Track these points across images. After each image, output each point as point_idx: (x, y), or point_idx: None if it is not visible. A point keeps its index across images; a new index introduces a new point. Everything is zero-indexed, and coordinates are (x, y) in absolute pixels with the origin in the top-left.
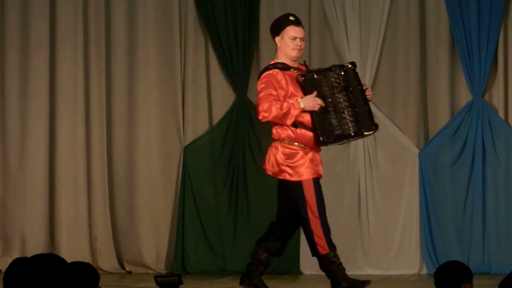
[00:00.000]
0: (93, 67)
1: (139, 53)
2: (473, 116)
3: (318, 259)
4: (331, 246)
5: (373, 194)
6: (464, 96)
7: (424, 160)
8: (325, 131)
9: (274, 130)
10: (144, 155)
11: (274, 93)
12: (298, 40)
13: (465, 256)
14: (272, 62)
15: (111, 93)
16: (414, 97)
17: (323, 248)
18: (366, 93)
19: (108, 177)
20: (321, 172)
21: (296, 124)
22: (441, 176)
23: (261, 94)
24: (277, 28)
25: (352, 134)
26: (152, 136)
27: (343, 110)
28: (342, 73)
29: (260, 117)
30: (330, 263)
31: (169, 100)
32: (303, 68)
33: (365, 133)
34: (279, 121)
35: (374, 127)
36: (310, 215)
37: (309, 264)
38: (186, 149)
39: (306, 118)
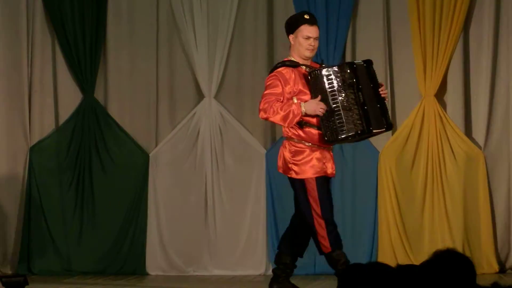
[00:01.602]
0: None
1: None
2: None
3: (325, 257)
4: (335, 244)
5: (220, 194)
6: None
7: (271, 161)
8: (330, 130)
9: (283, 128)
10: None
11: (279, 91)
12: (312, 40)
13: (312, 257)
14: (283, 60)
15: None
16: (260, 98)
17: (326, 247)
18: (381, 92)
19: None
20: (330, 171)
21: (302, 124)
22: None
23: (265, 92)
24: (292, 26)
25: (359, 132)
26: None
27: (350, 108)
28: (349, 70)
29: (259, 116)
30: (334, 261)
31: (15, 100)
32: (316, 66)
33: (374, 130)
34: (278, 123)
35: (386, 125)
36: (314, 214)
37: (155, 265)
38: (32, 149)
39: (313, 117)
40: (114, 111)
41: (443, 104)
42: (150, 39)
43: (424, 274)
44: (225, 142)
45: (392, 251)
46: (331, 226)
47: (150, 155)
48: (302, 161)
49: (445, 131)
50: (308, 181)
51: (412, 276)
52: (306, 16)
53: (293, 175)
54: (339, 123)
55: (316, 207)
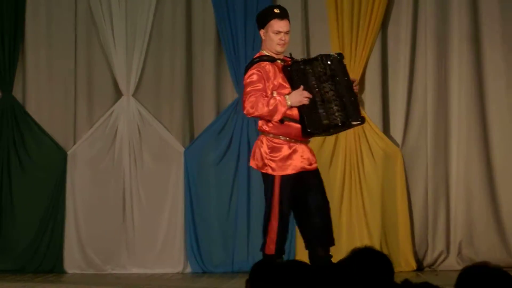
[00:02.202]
0: None
1: None
2: (239, 114)
3: (264, 256)
4: (279, 251)
5: (138, 192)
6: (230, 95)
7: (189, 159)
8: (312, 121)
9: (259, 123)
10: None
11: (261, 86)
12: (282, 34)
13: (229, 255)
14: (258, 55)
15: None
16: (179, 96)
17: (269, 249)
18: (354, 86)
19: None
20: (309, 166)
21: (282, 119)
22: (206, 175)
23: (248, 89)
24: (262, 21)
25: (340, 124)
26: None
27: (330, 99)
28: (329, 62)
29: (245, 112)
30: None
31: None
32: (288, 60)
33: (353, 123)
34: (266, 118)
35: (360, 119)
36: (272, 214)
37: (73, 263)
38: None
39: (293, 111)
40: (32, 109)
41: (361, 102)
42: (69, 37)
43: (342, 272)
44: (143, 140)
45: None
46: (282, 234)
47: (68, 153)
48: (279, 158)
49: (363, 129)
50: (277, 179)
51: (329, 274)
52: (276, 10)
53: (269, 171)
54: (322, 114)
55: (275, 209)
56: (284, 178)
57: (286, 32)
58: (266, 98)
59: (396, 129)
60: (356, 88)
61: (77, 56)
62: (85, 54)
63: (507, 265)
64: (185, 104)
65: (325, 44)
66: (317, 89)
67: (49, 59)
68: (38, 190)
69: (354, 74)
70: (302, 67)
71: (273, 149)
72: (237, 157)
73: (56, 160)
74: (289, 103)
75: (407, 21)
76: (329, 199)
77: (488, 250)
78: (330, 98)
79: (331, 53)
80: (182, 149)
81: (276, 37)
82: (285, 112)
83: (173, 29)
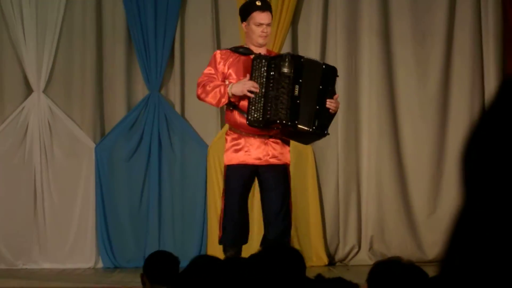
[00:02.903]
0: None
1: None
2: (150, 110)
3: None
4: (225, 240)
5: (49, 188)
6: (141, 91)
7: (100, 155)
8: (253, 112)
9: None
10: None
11: (211, 71)
12: (264, 26)
13: (141, 250)
14: (237, 46)
15: None
16: (90, 92)
17: (219, 238)
18: (330, 101)
19: None
20: (255, 160)
21: (232, 108)
22: (117, 171)
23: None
24: (244, 13)
25: (278, 121)
26: None
27: (281, 96)
28: (291, 62)
29: (197, 96)
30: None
31: None
32: (273, 53)
33: (299, 125)
34: (208, 102)
35: (314, 127)
36: (222, 203)
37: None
38: None
39: (242, 102)
40: None
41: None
42: None
43: (253, 267)
44: (54, 136)
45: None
46: (230, 221)
47: None
48: (226, 148)
49: None
50: (226, 168)
51: (241, 269)
52: (258, 3)
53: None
54: (267, 107)
55: (222, 198)
56: (230, 168)
57: (268, 24)
58: (212, 83)
59: None
60: (331, 104)
61: None
62: None
63: (418, 259)
64: (96, 100)
65: (236, 40)
66: (271, 84)
67: None
68: None
69: None
70: (263, 60)
71: (228, 140)
72: (148, 152)
73: None
74: (229, 90)
75: (317, 17)
76: None
77: (399, 245)
78: (282, 95)
79: (314, 59)
80: (93, 145)
81: (258, 29)
82: (225, 102)
83: (83, 25)
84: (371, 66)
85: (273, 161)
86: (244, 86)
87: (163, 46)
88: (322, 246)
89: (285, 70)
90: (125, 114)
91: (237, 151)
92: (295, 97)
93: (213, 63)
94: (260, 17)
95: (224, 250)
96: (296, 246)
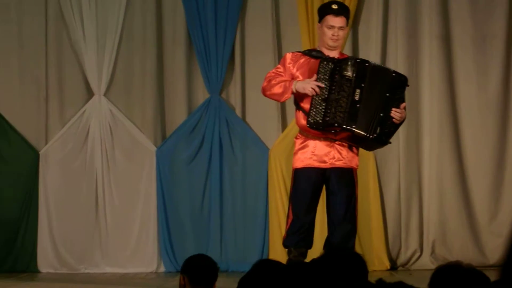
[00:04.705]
0: None
1: None
2: (210, 114)
3: None
4: (289, 242)
5: (110, 191)
6: (202, 94)
7: (161, 158)
8: (315, 114)
9: None
10: None
11: (281, 69)
12: (335, 29)
13: (203, 253)
14: (310, 49)
15: None
16: (151, 96)
17: (283, 240)
18: (395, 110)
19: None
20: (320, 164)
21: (298, 110)
22: (179, 174)
23: None
24: (320, 15)
25: (341, 125)
26: None
27: (341, 100)
28: (358, 67)
29: (262, 93)
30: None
31: None
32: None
33: (356, 130)
34: (271, 95)
35: (372, 133)
36: (290, 205)
37: (46, 263)
38: None
39: (307, 105)
40: (3, 108)
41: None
42: (39, 37)
43: (316, 271)
44: (115, 140)
45: (283, 248)
46: (294, 225)
47: (40, 153)
48: (294, 151)
49: None
50: (293, 171)
51: (303, 273)
52: (334, 6)
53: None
54: (326, 110)
55: (291, 200)
56: (298, 171)
57: (340, 28)
58: (279, 77)
59: None
60: (395, 114)
61: (48, 56)
62: (56, 53)
63: (479, 264)
64: (156, 104)
65: (297, 44)
66: (333, 87)
67: (20, 58)
68: (10, 190)
69: None
70: (330, 63)
71: (296, 143)
72: (209, 156)
73: (28, 160)
74: (293, 87)
75: (377, 20)
76: None
77: (461, 249)
78: (342, 99)
79: (383, 66)
80: (154, 149)
81: (329, 32)
82: (287, 97)
83: (144, 28)
84: (432, 69)
85: (339, 164)
86: (307, 84)
87: (224, 49)
88: (384, 251)
89: (347, 73)
90: (185, 118)
91: (304, 154)
92: (355, 101)
93: (283, 62)
94: (333, 20)
95: (288, 252)
96: (358, 250)
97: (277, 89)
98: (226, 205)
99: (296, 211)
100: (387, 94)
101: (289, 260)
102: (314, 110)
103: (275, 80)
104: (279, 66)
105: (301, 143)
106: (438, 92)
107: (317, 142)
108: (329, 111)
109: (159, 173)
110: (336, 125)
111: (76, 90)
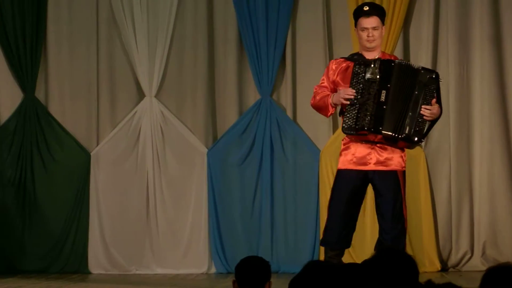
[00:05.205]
0: None
1: None
2: (262, 115)
3: None
4: (325, 242)
5: (161, 192)
6: (253, 96)
7: (213, 159)
8: (348, 119)
9: None
10: None
11: (324, 82)
12: (369, 30)
13: (254, 255)
14: (353, 53)
15: None
16: (202, 97)
17: (320, 239)
18: (425, 107)
19: None
20: (360, 167)
21: (341, 114)
22: (230, 175)
23: None
24: (354, 19)
25: (368, 128)
26: None
27: (367, 103)
28: (384, 68)
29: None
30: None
31: None
32: (389, 57)
33: (383, 131)
34: (321, 114)
35: (400, 134)
36: (328, 205)
37: (97, 264)
38: None
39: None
40: (55, 110)
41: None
42: (90, 37)
43: (367, 273)
44: (166, 141)
45: None
46: (331, 224)
47: (92, 154)
48: (340, 152)
49: None
50: (336, 172)
51: (354, 274)
52: (365, 8)
53: None
54: (355, 115)
55: (330, 200)
56: (339, 172)
57: (374, 28)
58: (321, 92)
59: None
60: (425, 111)
61: (99, 57)
62: (107, 54)
63: None
64: (207, 105)
65: (347, 37)
66: (361, 91)
67: (71, 59)
68: (61, 191)
69: None
70: (356, 68)
71: (342, 145)
72: (260, 157)
73: (79, 161)
74: (331, 100)
75: (428, 21)
76: None
77: None
78: (368, 101)
79: (406, 62)
80: (205, 150)
81: (364, 34)
82: (328, 109)
83: (195, 29)
84: (483, 71)
85: (380, 167)
86: (340, 95)
87: (275, 51)
88: (435, 252)
89: (370, 75)
90: (237, 119)
91: (346, 156)
92: (381, 103)
93: (326, 71)
94: (365, 22)
95: (325, 252)
96: (409, 251)
97: (321, 106)
98: (277, 206)
99: (332, 211)
100: (416, 92)
101: (325, 260)
102: (348, 115)
103: (319, 95)
104: (323, 77)
105: (345, 144)
106: (489, 93)
107: (358, 145)
108: (359, 115)
109: (210, 174)
110: (366, 128)
111: (127, 92)
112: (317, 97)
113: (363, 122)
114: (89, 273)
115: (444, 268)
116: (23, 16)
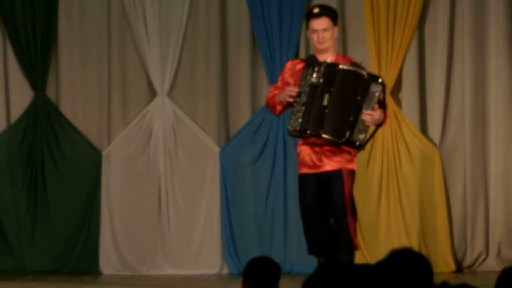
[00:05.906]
0: None
1: None
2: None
3: None
4: (310, 251)
5: (173, 192)
6: (265, 94)
7: (225, 159)
8: (293, 121)
9: None
10: None
11: (278, 82)
12: (319, 32)
13: (266, 255)
14: (310, 55)
15: None
16: (214, 95)
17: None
18: (366, 113)
19: None
20: (311, 170)
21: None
22: (242, 175)
23: None
24: (305, 21)
25: (309, 131)
26: None
27: (312, 106)
28: (327, 72)
29: None
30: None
31: None
32: (342, 61)
33: (323, 135)
34: (270, 110)
35: (340, 139)
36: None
37: (108, 264)
38: None
39: None
40: (66, 109)
41: (398, 102)
42: (102, 36)
43: (381, 274)
44: (178, 140)
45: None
46: (309, 230)
47: (103, 153)
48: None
49: (400, 129)
50: (298, 179)
51: (368, 275)
52: (314, 10)
53: None
54: (300, 117)
55: (299, 207)
56: (298, 178)
57: (324, 29)
58: (273, 91)
59: (434, 129)
60: (366, 116)
61: (110, 56)
62: (119, 53)
63: None
64: (220, 104)
65: (361, 41)
66: (307, 94)
67: (82, 58)
68: (73, 191)
69: (391, 73)
70: (305, 70)
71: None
72: (273, 157)
73: (90, 160)
74: (278, 99)
75: (443, 19)
76: (367, 199)
77: None
78: (311, 105)
79: (351, 68)
80: (217, 149)
81: (314, 36)
82: (276, 106)
83: (208, 28)
84: (498, 67)
85: (328, 168)
86: (285, 92)
87: (288, 48)
88: (450, 252)
89: (314, 79)
90: (249, 118)
91: (300, 160)
92: (323, 107)
93: (282, 72)
94: (315, 23)
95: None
96: (423, 252)
97: (270, 104)
98: (290, 206)
99: (303, 219)
100: (359, 97)
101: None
102: (294, 117)
103: (270, 94)
104: (279, 77)
105: (298, 148)
106: (504, 91)
107: (307, 147)
108: (303, 118)
109: (222, 173)
110: (308, 132)
111: (139, 90)
112: (268, 96)
113: (306, 126)
114: (100, 273)
115: (459, 268)
116: (34, 15)
